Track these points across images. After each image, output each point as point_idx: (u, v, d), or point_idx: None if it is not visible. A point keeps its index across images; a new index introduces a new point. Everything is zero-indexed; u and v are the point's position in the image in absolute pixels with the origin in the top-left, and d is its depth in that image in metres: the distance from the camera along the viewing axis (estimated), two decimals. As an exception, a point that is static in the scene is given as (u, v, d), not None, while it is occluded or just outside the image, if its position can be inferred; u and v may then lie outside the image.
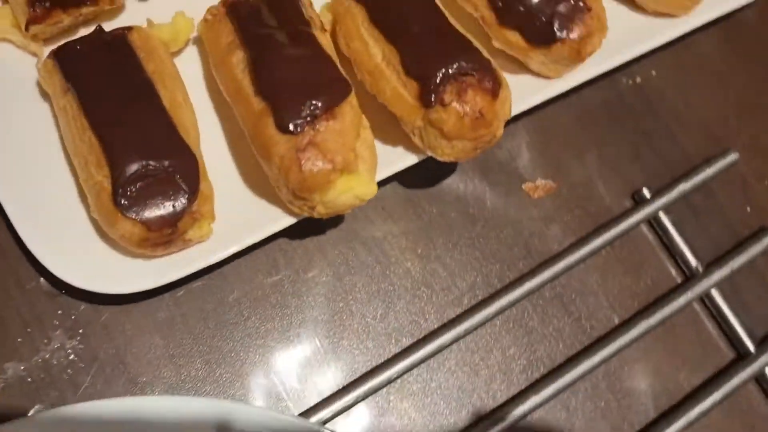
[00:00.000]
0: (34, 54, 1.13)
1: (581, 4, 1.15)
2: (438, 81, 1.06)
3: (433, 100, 1.05)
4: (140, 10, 1.19)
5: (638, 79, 1.35)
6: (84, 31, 1.16)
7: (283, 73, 1.04)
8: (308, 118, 1.01)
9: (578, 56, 1.17)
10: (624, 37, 1.26)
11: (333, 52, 1.13)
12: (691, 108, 1.35)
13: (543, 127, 1.29)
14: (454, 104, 1.05)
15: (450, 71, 1.06)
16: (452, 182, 1.24)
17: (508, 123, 1.11)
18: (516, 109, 1.16)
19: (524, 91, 1.20)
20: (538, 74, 1.22)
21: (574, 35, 1.15)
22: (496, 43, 1.19)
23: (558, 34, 1.15)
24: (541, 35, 1.15)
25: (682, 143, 1.32)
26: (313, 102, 1.02)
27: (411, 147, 1.14)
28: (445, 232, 1.21)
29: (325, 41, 1.12)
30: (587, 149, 1.29)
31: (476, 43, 1.11)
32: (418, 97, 1.06)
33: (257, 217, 1.10)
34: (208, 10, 1.13)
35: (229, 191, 1.11)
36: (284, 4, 1.11)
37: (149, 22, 1.14)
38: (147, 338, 1.09)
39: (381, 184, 1.11)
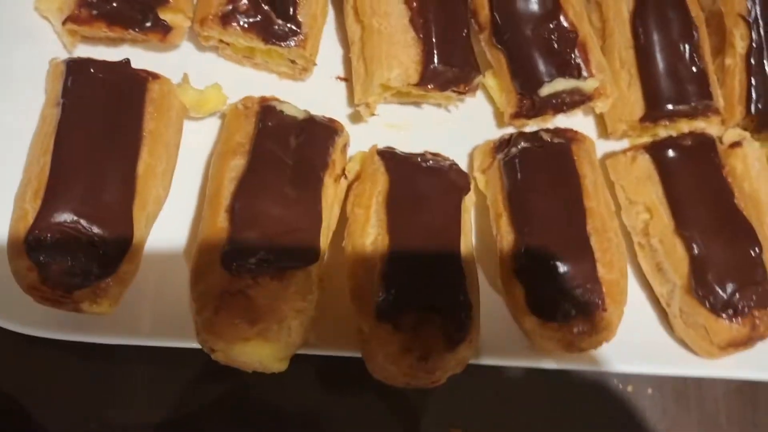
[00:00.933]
0: (65, 46, 1.06)
1: (597, 300, 1.03)
2: (400, 304, 0.95)
3: (387, 316, 0.95)
4: (191, 58, 1.12)
5: (630, 388, 1.21)
6: (127, 50, 1.10)
7: (262, 207, 0.95)
8: (254, 267, 0.91)
9: (569, 346, 1.05)
10: (635, 349, 1.13)
11: (335, 207, 1.04)
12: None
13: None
14: (403, 333, 0.94)
15: (418, 300, 0.95)
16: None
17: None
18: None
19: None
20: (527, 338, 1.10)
21: (574, 328, 1.03)
22: (500, 285, 1.08)
23: (558, 315, 1.03)
24: (543, 307, 1.04)
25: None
26: (269, 253, 0.92)
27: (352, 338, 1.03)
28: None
29: (332, 192, 1.03)
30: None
31: (470, 282, 1.00)
32: (377, 309, 0.95)
33: (170, 322, 1.00)
34: (245, 99, 1.05)
35: (163, 280, 1.02)
36: (313, 137, 1.03)
37: (184, 77, 1.06)
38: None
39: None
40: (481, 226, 1.15)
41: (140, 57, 1.10)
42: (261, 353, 0.93)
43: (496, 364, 1.08)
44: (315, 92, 1.16)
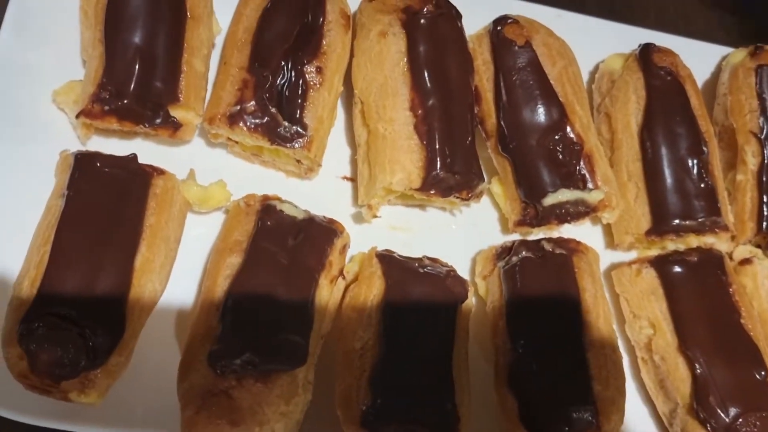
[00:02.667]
0: (79, 138, 1.10)
1: (591, 418, 1.01)
2: (385, 414, 0.94)
3: (371, 425, 0.94)
4: (201, 153, 1.15)
5: None
6: (140, 143, 1.13)
7: (252, 307, 0.96)
8: (239, 367, 0.91)
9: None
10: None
11: (330, 308, 1.04)
12: None
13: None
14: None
15: (403, 411, 0.94)
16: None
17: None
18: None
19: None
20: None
21: None
22: (496, 396, 1.06)
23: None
24: (534, 423, 1.02)
25: None
26: (255, 355, 0.92)
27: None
28: None
29: (327, 294, 1.03)
30: None
31: (461, 394, 0.99)
32: (361, 414, 0.94)
33: (161, 415, 1.00)
34: (247, 197, 1.07)
35: (157, 372, 1.02)
36: (311, 237, 1.04)
37: (190, 172, 1.09)
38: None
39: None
40: (480, 332, 1.14)
41: (152, 150, 1.13)
42: (241, 457, 0.91)
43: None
44: (321, 191, 1.18)
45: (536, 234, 1.20)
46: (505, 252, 1.14)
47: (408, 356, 0.98)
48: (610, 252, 1.25)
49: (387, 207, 1.19)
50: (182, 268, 1.08)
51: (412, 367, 0.98)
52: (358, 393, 0.96)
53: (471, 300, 1.11)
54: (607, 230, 1.26)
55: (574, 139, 1.14)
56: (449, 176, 1.10)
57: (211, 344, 0.93)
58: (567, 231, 1.20)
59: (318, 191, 1.18)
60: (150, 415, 1.01)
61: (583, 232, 1.23)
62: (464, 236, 1.20)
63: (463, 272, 1.15)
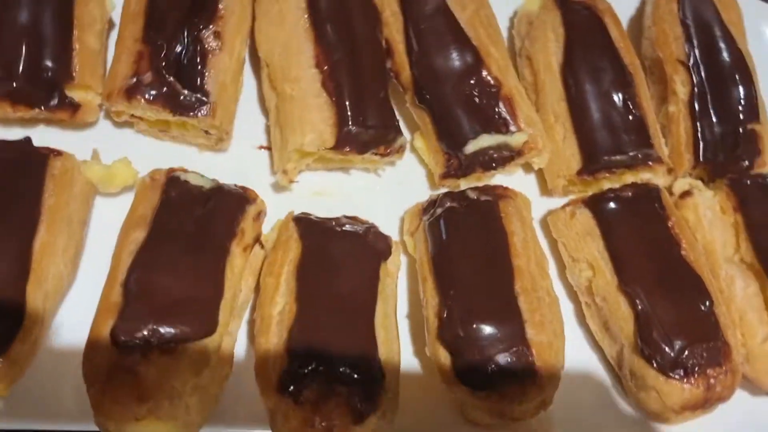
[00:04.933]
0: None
1: (527, 365, 0.96)
2: (305, 370, 0.89)
3: (289, 388, 0.89)
4: (110, 135, 1.11)
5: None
6: (43, 130, 1.09)
7: (154, 279, 0.91)
8: (143, 341, 0.87)
9: (501, 416, 0.98)
10: (586, 417, 1.06)
11: (248, 278, 1.00)
12: None
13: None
14: (306, 406, 0.88)
15: (326, 370, 0.90)
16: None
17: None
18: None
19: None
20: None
21: (504, 396, 0.96)
22: (428, 352, 1.02)
23: (485, 383, 0.96)
24: (470, 375, 0.97)
25: None
26: (159, 327, 0.88)
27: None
28: None
29: (241, 263, 0.98)
30: None
31: (387, 351, 0.94)
32: (278, 379, 0.90)
33: (77, 405, 0.95)
34: (153, 171, 1.03)
35: (71, 361, 0.97)
36: (220, 206, 1.00)
37: (94, 153, 1.05)
38: None
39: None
40: (414, 291, 1.09)
41: (59, 138, 1.09)
42: (154, 432, 0.87)
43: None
44: (238, 163, 1.14)
45: (466, 186, 1.15)
46: (430, 206, 1.10)
47: (327, 317, 0.94)
48: (548, 200, 1.21)
49: (309, 173, 1.15)
50: (100, 254, 1.03)
51: (331, 327, 0.93)
52: (275, 359, 0.92)
53: (398, 257, 1.07)
54: (542, 177, 1.21)
55: (491, 82, 1.10)
56: (363, 131, 1.06)
57: (114, 320, 0.89)
58: (501, 182, 1.15)
59: (235, 163, 1.14)
60: (68, 403, 0.96)
61: (518, 182, 1.19)
62: (391, 196, 1.16)
63: (393, 232, 1.11)
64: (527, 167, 1.19)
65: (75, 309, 1.01)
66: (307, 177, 1.14)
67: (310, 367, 0.90)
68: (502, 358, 0.96)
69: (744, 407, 1.10)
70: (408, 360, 1.04)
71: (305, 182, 1.14)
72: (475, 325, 0.97)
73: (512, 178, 1.19)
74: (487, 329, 0.97)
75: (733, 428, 1.07)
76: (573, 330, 1.12)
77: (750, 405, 1.10)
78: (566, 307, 1.13)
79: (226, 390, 0.95)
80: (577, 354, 1.09)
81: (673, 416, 1.03)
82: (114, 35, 1.14)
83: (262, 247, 1.03)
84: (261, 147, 1.16)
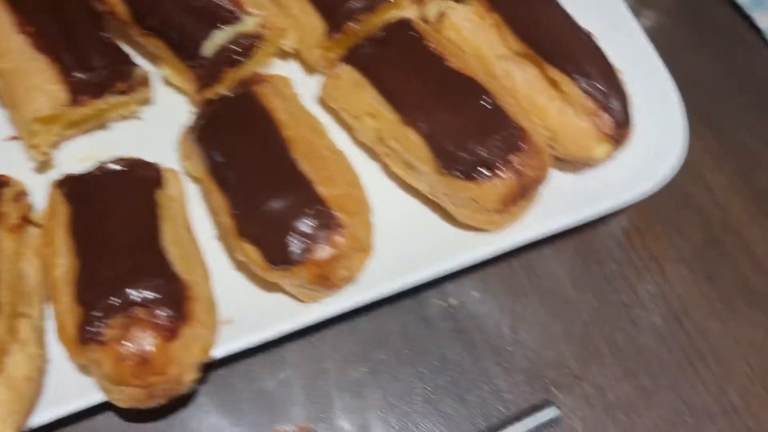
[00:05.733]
0: None
1: (329, 221, 0.93)
2: (99, 311, 0.84)
3: (89, 335, 0.84)
4: None
5: (453, 301, 1.09)
6: None
7: None
8: None
9: (327, 282, 0.94)
10: (426, 254, 1.02)
11: (29, 258, 0.94)
12: (519, 342, 1.08)
13: (315, 356, 1.04)
14: (112, 343, 0.83)
15: (120, 299, 0.85)
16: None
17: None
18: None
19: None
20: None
21: (317, 256, 0.92)
22: (238, 256, 0.98)
23: (295, 256, 0.92)
24: (278, 254, 0.93)
25: (498, 386, 1.05)
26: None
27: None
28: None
29: (10, 245, 0.93)
30: (369, 388, 1.03)
31: (184, 265, 0.90)
32: (78, 332, 0.85)
33: None
34: None
35: None
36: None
37: None
38: None
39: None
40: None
41: None
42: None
43: (269, 336, 0.96)
44: (-5, 159, 1.08)
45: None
46: (194, 123, 1.05)
47: (109, 254, 0.90)
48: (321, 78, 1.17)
49: (71, 144, 1.10)
50: None
51: (115, 261, 0.89)
52: (70, 316, 0.87)
53: (178, 182, 1.02)
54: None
55: (209, -20, 1.07)
56: (93, 75, 1.02)
57: None
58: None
59: (-8, 160, 1.08)
60: None
61: (284, 71, 1.15)
62: (163, 133, 1.11)
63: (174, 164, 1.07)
64: (285, 54, 1.16)
65: None
66: (70, 147, 1.09)
67: (103, 306, 0.85)
68: (304, 224, 0.93)
69: (571, 188, 1.09)
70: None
71: (69, 153, 1.08)
72: (268, 206, 0.94)
73: (279, 70, 1.15)
74: (279, 204, 0.94)
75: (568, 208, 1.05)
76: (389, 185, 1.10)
77: (577, 185, 1.10)
78: (374, 168, 1.10)
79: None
80: (402, 207, 1.07)
81: (500, 217, 1.02)
82: None
83: (38, 225, 0.98)
84: (11, 138, 1.09)
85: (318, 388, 1.03)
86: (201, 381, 0.99)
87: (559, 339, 1.08)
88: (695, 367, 1.08)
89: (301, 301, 0.98)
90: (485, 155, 0.98)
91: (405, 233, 1.05)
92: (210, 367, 0.98)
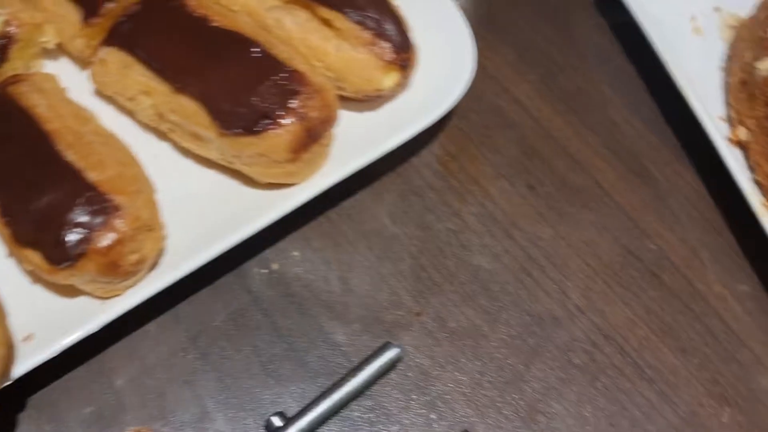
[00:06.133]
0: None
1: (106, 204, 0.87)
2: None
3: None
4: None
5: (275, 266, 1.05)
6: None
7: None
8: None
9: (118, 269, 0.88)
10: (229, 223, 0.97)
11: None
12: (351, 291, 1.03)
13: (139, 355, 0.98)
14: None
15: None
16: None
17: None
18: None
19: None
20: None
21: (98, 244, 0.86)
22: (25, 265, 0.91)
23: (75, 247, 0.86)
24: (58, 251, 0.87)
25: (337, 341, 1.00)
26: None
27: None
28: None
29: None
30: (203, 374, 0.97)
31: None
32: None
33: None
34: None
35: None
36: None
37: None
38: None
39: None
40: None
41: None
42: None
43: (66, 344, 0.90)
44: None
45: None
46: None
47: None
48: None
49: None
50: None
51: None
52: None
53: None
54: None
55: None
56: None
57: None
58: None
59: None
60: None
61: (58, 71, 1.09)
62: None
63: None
64: (52, 53, 1.09)
65: None
66: None
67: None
68: (78, 214, 0.87)
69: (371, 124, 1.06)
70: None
71: None
72: (37, 204, 0.88)
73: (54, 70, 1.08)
74: (48, 199, 0.89)
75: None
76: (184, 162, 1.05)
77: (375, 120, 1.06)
78: (164, 148, 1.05)
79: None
80: (199, 182, 1.02)
81: (296, 166, 0.98)
82: None
83: None
84: None
85: (147, 387, 0.96)
86: (21, 407, 0.92)
87: (391, 279, 1.04)
88: (533, 277, 1.06)
89: (103, 298, 0.91)
90: (261, 105, 0.93)
91: (206, 207, 1.00)
92: (28, 389, 0.92)
